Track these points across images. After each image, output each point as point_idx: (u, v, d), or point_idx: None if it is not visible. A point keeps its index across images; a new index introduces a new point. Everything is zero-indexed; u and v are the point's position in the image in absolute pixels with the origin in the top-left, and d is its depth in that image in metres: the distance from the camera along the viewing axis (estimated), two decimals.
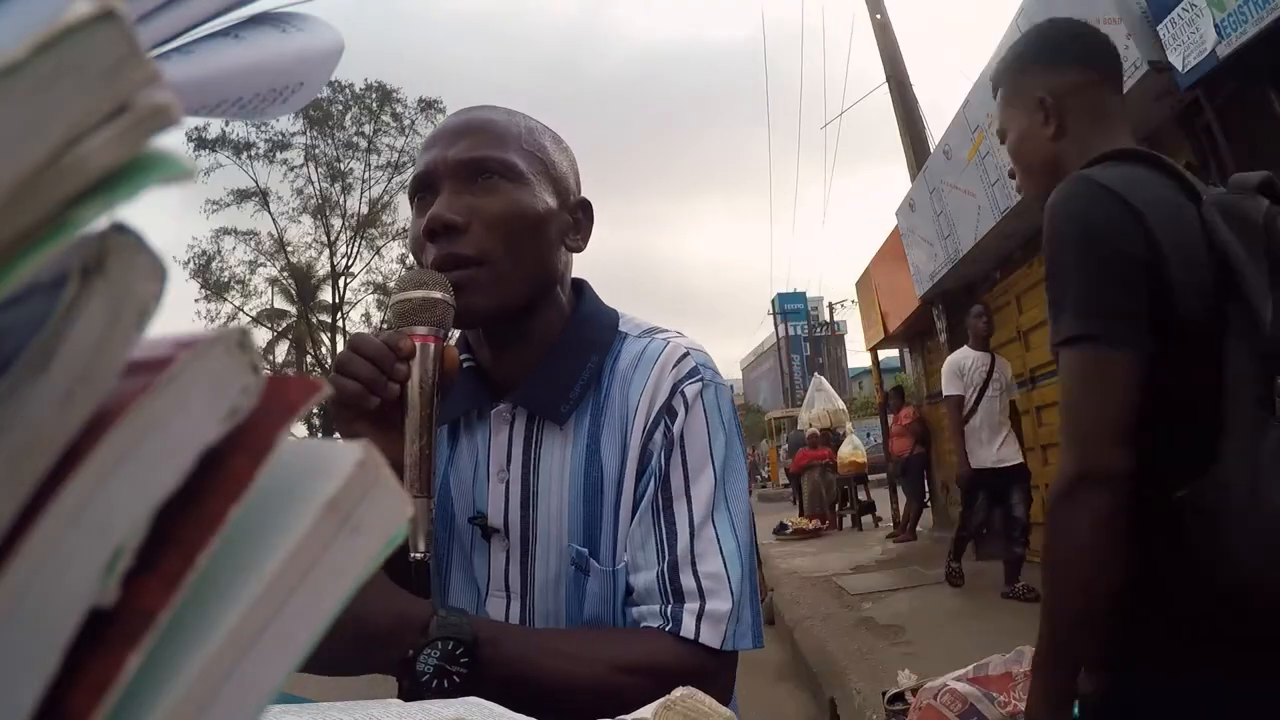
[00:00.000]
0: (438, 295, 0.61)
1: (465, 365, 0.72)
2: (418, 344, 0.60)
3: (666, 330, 0.73)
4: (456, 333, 0.72)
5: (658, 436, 0.66)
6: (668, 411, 0.66)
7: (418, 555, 0.59)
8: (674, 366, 0.67)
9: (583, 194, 0.76)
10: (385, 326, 0.63)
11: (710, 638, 0.62)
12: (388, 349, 0.59)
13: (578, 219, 0.74)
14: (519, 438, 0.70)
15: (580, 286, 0.76)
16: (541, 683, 0.58)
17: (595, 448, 0.67)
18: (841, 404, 10.88)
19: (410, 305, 0.61)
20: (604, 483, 0.66)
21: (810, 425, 10.18)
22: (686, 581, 0.63)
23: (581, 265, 0.79)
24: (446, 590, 0.72)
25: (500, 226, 0.66)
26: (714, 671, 0.63)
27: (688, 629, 0.62)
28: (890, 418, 7.92)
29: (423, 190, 0.69)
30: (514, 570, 0.68)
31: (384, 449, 0.61)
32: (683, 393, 0.66)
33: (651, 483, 0.65)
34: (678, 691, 0.44)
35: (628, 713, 0.44)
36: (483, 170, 0.67)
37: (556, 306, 0.72)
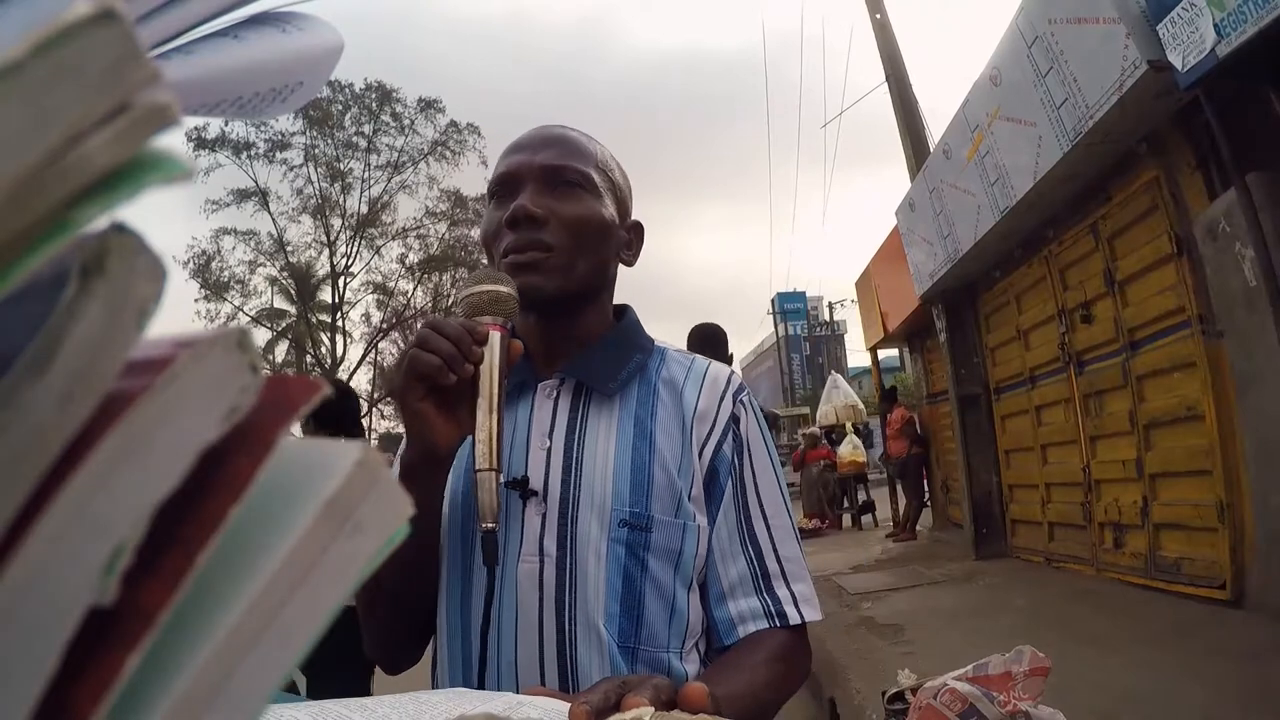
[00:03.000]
0: (506, 290, 0.68)
1: None
2: (491, 332, 0.65)
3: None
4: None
5: (729, 439, 0.76)
6: (734, 418, 0.76)
7: (488, 526, 0.64)
8: (726, 381, 0.79)
9: (634, 217, 0.84)
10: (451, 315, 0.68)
11: (810, 614, 0.74)
12: (466, 332, 0.64)
13: (630, 238, 0.83)
14: (564, 409, 0.76)
15: (625, 308, 0.84)
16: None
17: (645, 428, 0.74)
18: (857, 400, 10.77)
19: (483, 298, 0.67)
20: (653, 459, 0.73)
21: (812, 426, 10.21)
22: (771, 565, 0.74)
23: None
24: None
25: (574, 227, 0.74)
26: (807, 637, 0.75)
27: (794, 618, 0.73)
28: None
29: (503, 188, 0.76)
30: (550, 534, 0.71)
31: (448, 426, 0.65)
32: (741, 401, 0.78)
33: (730, 482, 0.75)
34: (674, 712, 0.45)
35: None
36: (564, 178, 0.75)
37: (603, 311, 0.81)
